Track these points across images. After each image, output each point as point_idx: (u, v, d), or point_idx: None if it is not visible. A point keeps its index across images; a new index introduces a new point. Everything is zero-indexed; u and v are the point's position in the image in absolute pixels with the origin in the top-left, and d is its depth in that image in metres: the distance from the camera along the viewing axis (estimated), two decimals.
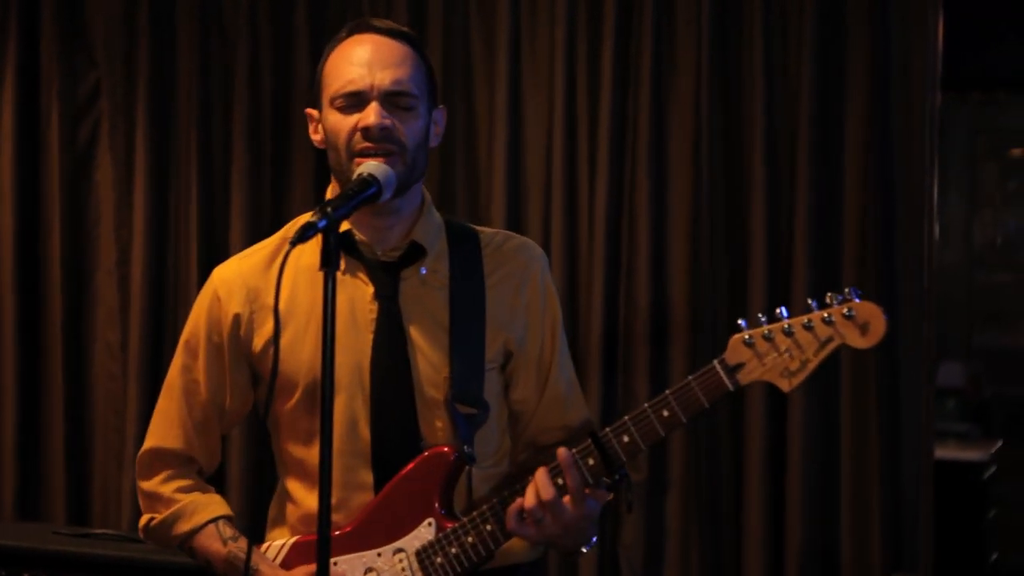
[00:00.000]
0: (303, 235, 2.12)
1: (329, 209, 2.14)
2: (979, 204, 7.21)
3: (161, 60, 4.40)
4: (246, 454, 4.21)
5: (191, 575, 3.37)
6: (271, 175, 4.34)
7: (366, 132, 2.33)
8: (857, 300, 2.16)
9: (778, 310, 2.22)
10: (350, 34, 2.43)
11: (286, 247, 2.19)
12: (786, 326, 2.19)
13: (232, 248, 4.30)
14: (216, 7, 4.37)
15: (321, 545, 2.09)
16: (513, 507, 2.31)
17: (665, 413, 2.25)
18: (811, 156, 3.86)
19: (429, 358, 2.41)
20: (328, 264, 2.10)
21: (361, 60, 2.36)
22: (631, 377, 3.98)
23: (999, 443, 5.93)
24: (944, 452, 5.38)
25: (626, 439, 2.27)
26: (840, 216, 3.88)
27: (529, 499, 2.29)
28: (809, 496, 3.84)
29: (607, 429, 2.29)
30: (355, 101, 2.35)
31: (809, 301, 2.19)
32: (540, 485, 2.28)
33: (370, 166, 2.30)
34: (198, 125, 4.35)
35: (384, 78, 2.34)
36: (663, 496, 3.96)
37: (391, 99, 2.35)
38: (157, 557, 3.48)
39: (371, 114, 2.33)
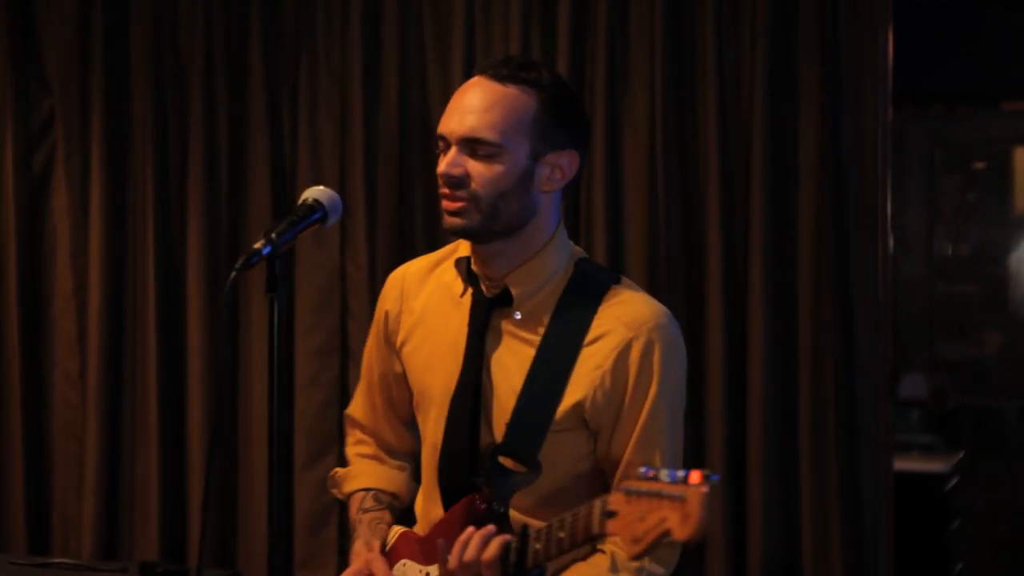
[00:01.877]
0: (247, 261, 2.13)
1: (273, 235, 2.16)
2: (940, 217, 7.26)
3: (116, 86, 4.39)
4: None
5: None
6: (228, 198, 4.33)
7: (439, 177, 2.35)
8: (699, 484, 1.86)
9: (665, 470, 1.92)
10: (474, 75, 2.40)
11: (450, 257, 2.47)
12: (650, 488, 1.92)
13: (190, 272, 4.30)
14: (170, 33, 4.37)
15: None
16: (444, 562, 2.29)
17: (561, 535, 2.13)
18: (765, 172, 3.88)
19: (499, 401, 2.39)
20: (273, 289, 2.14)
21: (456, 105, 2.36)
22: None
23: (961, 454, 5.96)
24: (908, 464, 5.40)
25: (538, 546, 2.18)
26: (795, 231, 3.90)
27: (455, 547, 2.26)
28: (769, 511, 3.85)
29: (534, 529, 2.20)
30: (443, 145, 2.36)
31: (680, 472, 1.90)
32: (470, 544, 2.25)
33: (316, 191, 2.31)
34: (154, 151, 4.34)
35: (462, 125, 2.32)
36: None
37: (468, 146, 2.32)
38: None
39: (443, 162, 2.35)
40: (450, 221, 2.35)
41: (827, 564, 3.83)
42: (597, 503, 2.04)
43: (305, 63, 4.27)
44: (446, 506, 2.42)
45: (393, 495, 2.65)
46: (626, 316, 2.37)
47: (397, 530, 2.57)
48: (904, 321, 6.82)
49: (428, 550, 2.43)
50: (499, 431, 2.37)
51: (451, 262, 2.48)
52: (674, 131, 3.97)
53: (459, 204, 2.33)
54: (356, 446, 2.72)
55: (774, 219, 3.89)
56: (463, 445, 2.40)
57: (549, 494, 2.37)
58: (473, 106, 2.32)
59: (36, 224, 4.46)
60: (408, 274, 2.59)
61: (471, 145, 2.32)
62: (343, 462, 2.76)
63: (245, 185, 4.32)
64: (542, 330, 2.38)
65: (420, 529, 2.53)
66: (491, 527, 2.25)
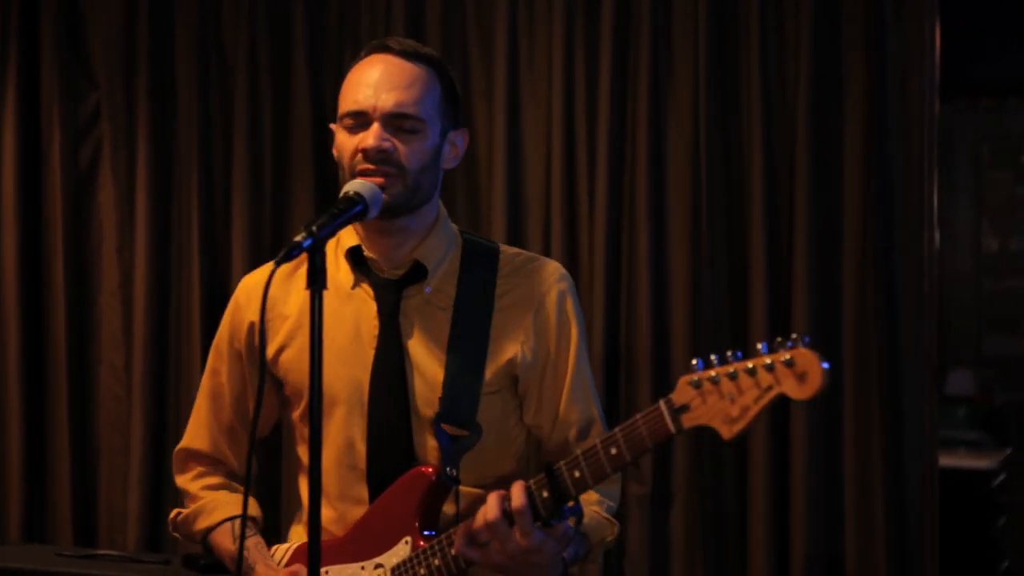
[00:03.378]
0: (288, 254, 2.13)
1: (314, 228, 2.15)
2: (988, 211, 7.19)
3: (161, 81, 4.42)
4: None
5: None
6: (272, 194, 4.35)
7: (365, 153, 2.35)
8: (802, 347, 2.00)
9: (729, 352, 2.08)
10: (368, 54, 2.45)
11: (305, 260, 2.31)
12: (731, 370, 2.05)
13: (235, 267, 4.32)
14: (215, 27, 4.39)
15: (312, 558, 2.09)
16: (462, 528, 2.28)
17: (613, 451, 2.16)
18: (810, 167, 3.85)
19: (425, 377, 2.43)
20: (314, 283, 2.13)
21: (369, 81, 2.38)
22: (633, 391, 3.98)
23: (1008, 451, 5.90)
24: (954, 460, 5.36)
25: (577, 474, 2.19)
26: (840, 226, 3.87)
27: (477, 520, 2.25)
28: (813, 506, 3.83)
29: (561, 463, 2.21)
30: (360, 121, 2.37)
31: (758, 345, 2.04)
32: (488, 507, 2.24)
33: (356, 184, 2.33)
34: (199, 145, 4.37)
35: (388, 100, 2.36)
36: (667, 508, 3.95)
37: (394, 121, 2.37)
38: None
39: (370, 136, 2.35)
40: (367, 186, 2.32)
41: (871, 560, 3.81)
42: (659, 406, 2.10)
43: (349, 57, 4.27)
44: (375, 496, 2.40)
45: (254, 519, 2.59)
46: (531, 274, 2.50)
47: (284, 548, 2.52)
48: (951, 316, 6.77)
49: (356, 548, 2.40)
50: (430, 404, 2.40)
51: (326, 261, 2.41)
52: (718, 127, 3.95)
53: (384, 179, 2.35)
54: (200, 480, 2.63)
55: (819, 214, 3.87)
56: (397, 427, 2.41)
57: (490, 459, 2.45)
58: (395, 82, 2.37)
59: (82, 218, 4.50)
60: (265, 280, 2.45)
61: (396, 120, 2.36)
62: (176, 502, 2.68)
63: (289, 179, 4.33)
64: (450, 300, 2.45)
65: (325, 532, 2.43)
66: (517, 482, 2.23)
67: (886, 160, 3.83)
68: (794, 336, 2.02)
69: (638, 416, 2.14)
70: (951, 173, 6.83)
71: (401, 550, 2.36)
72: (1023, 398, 6.91)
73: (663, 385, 3.94)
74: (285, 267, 2.42)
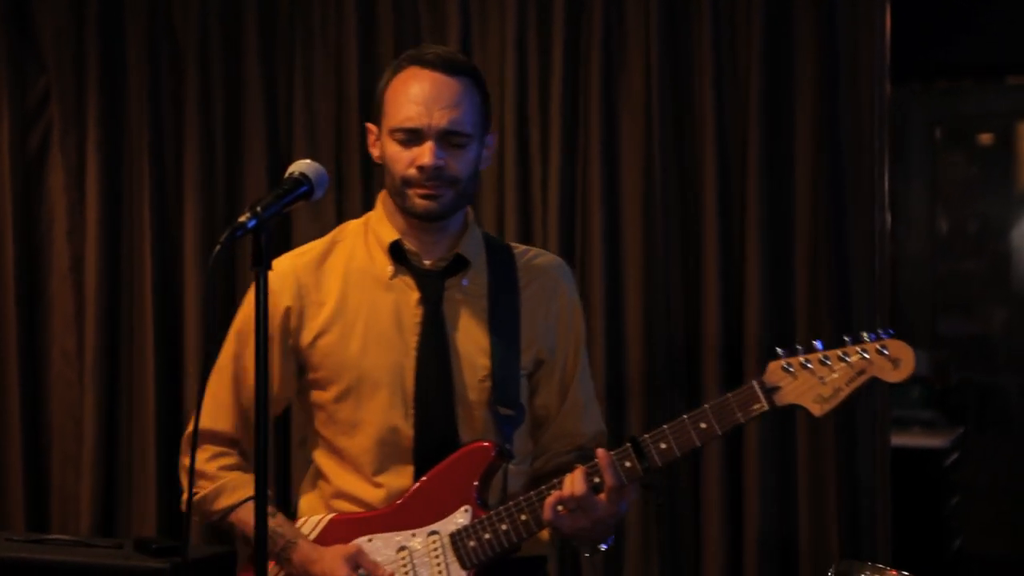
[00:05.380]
0: (232, 234, 2.15)
1: (259, 208, 2.18)
2: (942, 193, 7.23)
3: (111, 64, 4.39)
4: None
5: None
6: (224, 176, 4.34)
7: (421, 170, 2.52)
8: (887, 338, 2.34)
9: (815, 342, 2.37)
10: (409, 64, 2.58)
11: (335, 248, 2.64)
12: (823, 356, 2.35)
13: (187, 250, 4.30)
14: (166, 10, 4.36)
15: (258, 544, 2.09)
16: (551, 499, 2.45)
17: (703, 425, 2.40)
18: (762, 150, 3.87)
19: (469, 362, 2.60)
20: (258, 263, 2.15)
21: (419, 98, 2.53)
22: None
23: (961, 430, 5.95)
24: (908, 439, 5.40)
25: (663, 446, 2.42)
26: (792, 208, 3.89)
27: (566, 491, 2.43)
28: (766, 486, 3.85)
29: (646, 435, 2.43)
30: (412, 137, 2.52)
31: (845, 337, 2.36)
32: (575, 480, 2.42)
33: (302, 165, 2.35)
34: (149, 128, 4.34)
35: (441, 119, 2.51)
36: None
37: (446, 138, 2.52)
38: (111, 561, 3.49)
39: (426, 154, 2.51)
40: (426, 205, 2.53)
41: (824, 539, 3.83)
42: (752, 384, 2.39)
43: (300, 40, 4.26)
44: (422, 472, 2.55)
45: (270, 498, 2.58)
46: (546, 269, 2.73)
47: (314, 520, 2.61)
48: (906, 298, 6.80)
49: (405, 518, 2.54)
50: (475, 388, 2.58)
51: (347, 250, 2.65)
52: (670, 112, 3.96)
53: (438, 191, 2.53)
54: (215, 460, 2.67)
55: (771, 197, 3.88)
56: (442, 409, 2.57)
57: (522, 434, 2.65)
58: (445, 100, 2.53)
59: (32, 203, 4.46)
60: (297, 267, 2.64)
61: (448, 137, 2.52)
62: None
63: (241, 163, 4.31)
64: (484, 291, 2.64)
65: (361, 505, 2.58)
66: (604, 453, 2.43)
67: (837, 143, 3.85)
68: (878, 331, 2.36)
69: (728, 394, 2.41)
70: (905, 156, 6.86)
71: (459, 518, 2.52)
72: (977, 378, 6.97)
73: (617, 369, 3.95)
74: (314, 255, 2.66)
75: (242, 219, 2.15)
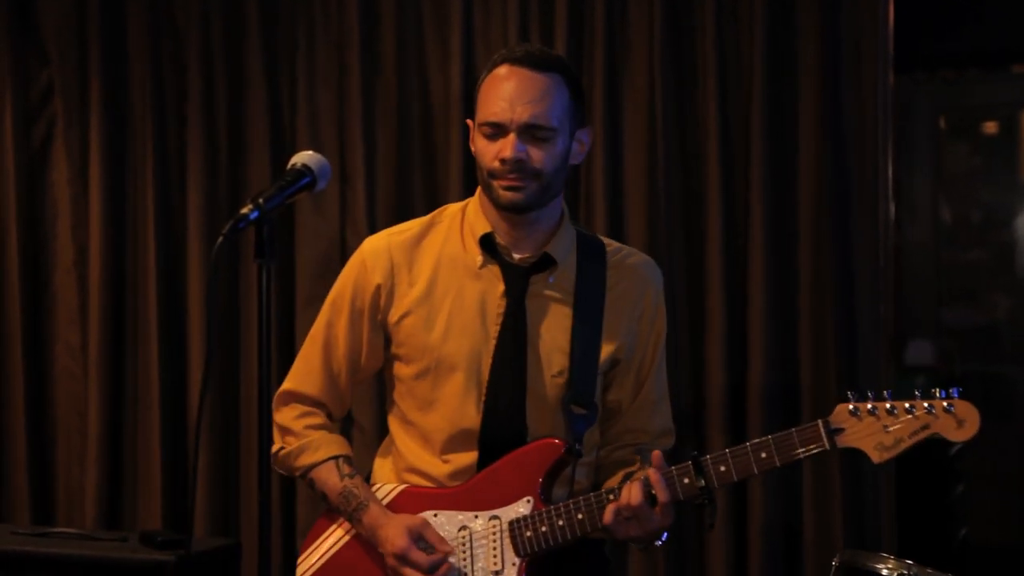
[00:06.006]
0: (235, 226, 2.16)
1: (261, 200, 2.19)
2: (946, 182, 7.21)
3: (114, 57, 4.39)
4: None
5: (146, 571, 3.43)
6: (227, 168, 4.34)
7: (503, 162, 2.60)
8: (956, 397, 2.40)
9: (885, 392, 2.45)
10: (502, 62, 2.66)
11: (433, 230, 2.73)
12: (889, 406, 2.42)
13: (190, 243, 4.31)
14: (167, 2, 4.36)
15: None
16: (611, 505, 2.54)
17: (763, 455, 2.50)
18: (765, 140, 3.87)
19: (546, 359, 2.68)
20: (261, 255, 2.16)
21: (505, 95, 2.61)
22: None
23: None
24: None
25: (723, 468, 2.51)
26: (796, 198, 3.89)
27: (623, 500, 2.52)
28: (770, 477, 3.84)
29: (708, 456, 2.52)
30: (497, 131, 2.62)
31: (916, 391, 2.43)
32: (632, 492, 2.51)
33: (304, 156, 2.36)
34: (152, 121, 4.34)
35: (523, 114, 2.59)
36: None
37: (529, 131, 2.60)
38: (116, 554, 3.50)
39: (508, 147, 2.59)
40: (510, 196, 2.62)
41: (829, 528, 3.83)
42: (817, 424, 2.47)
43: (303, 33, 4.26)
44: (486, 458, 2.65)
45: (350, 459, 2.78)
46: (635, 270, 2.79)
47: (387, 488, 2.73)
48: (910, 287, 6.79)
49: (470, 499, 2.65)
50: (548, 384, 2.66)
51: (442, 234, 2.74)
52: (673, 103, 3.96)
53: (521, 183, 2.60)
54: (302, 419, 2.80)
55: (775, 186, 3.88)
56: (513, 402, 2.66)
57: (595, 429, 2.72)
58: (528, 95, 2.60)
59: (36, 196, 4.47)
60: (392, 246, 2.74)
61: (531, 131, 2.59)
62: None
63: (244, 156, 4.31)
64: (572, 290, 2.71)
65: (429, 480, 2.69)
66: (657, 475, 2.51)
67: (841, 133, 3.85)
68: (949, 390, 2.41)
69: (793, 430, 2.49)
70: (909, 145, 6.84)
71: (522, 507, 2.62)
72: (982, 368, 6.95)
73: None
74: (409, 236, 2.75)
75: (244, 210, 2.16)
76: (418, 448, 2.72)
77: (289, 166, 2.33)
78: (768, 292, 3.85)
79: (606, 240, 2.83)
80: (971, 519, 5.82)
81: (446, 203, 3.99)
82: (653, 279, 2.81)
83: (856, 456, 3.77)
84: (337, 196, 4.19)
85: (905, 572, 2.83)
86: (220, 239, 2.15)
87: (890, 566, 2.88)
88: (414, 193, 4.15)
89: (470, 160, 4.03)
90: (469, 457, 2.67)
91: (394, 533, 2.62)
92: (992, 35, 6.25)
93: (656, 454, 2.55)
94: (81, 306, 4.42)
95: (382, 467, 2.81)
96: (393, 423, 2.81)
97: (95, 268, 4.37)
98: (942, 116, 7.14)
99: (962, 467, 5.68)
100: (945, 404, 2.39)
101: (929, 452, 5.30)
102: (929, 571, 2.82)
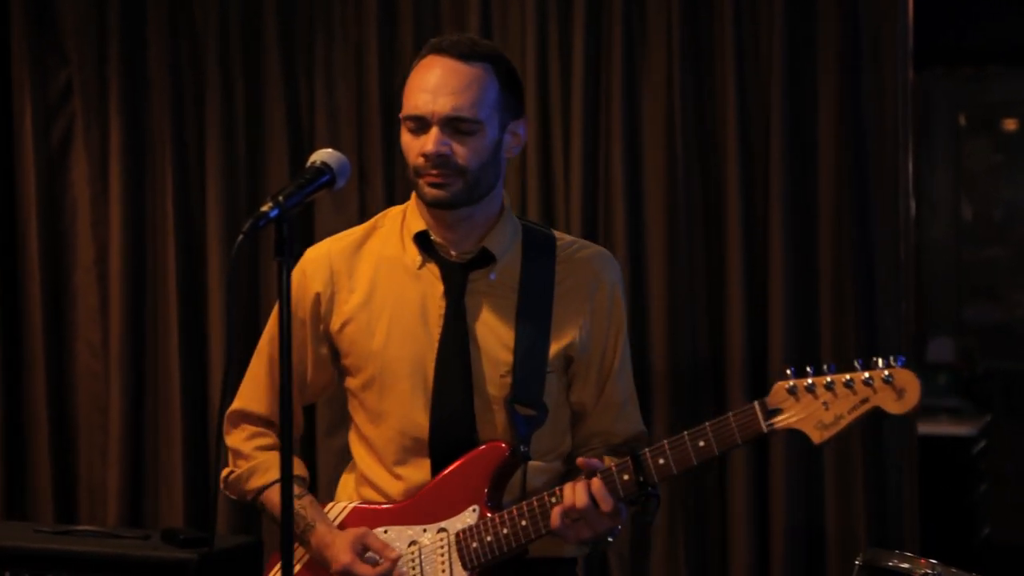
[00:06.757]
0: (255, 224, 2.13)
1: (281, 198, 2.16)
2: (966, 179, 7.19)
3: (132, 56, 4.39)
4: None
5: (169, 569, 3.43)
6: (246, 166, 4.34)
7: (426, 157, 2.48)
8: (899, 367, 2.23)
9: (826, 366, 2.30)
10: (427, 54, 2.55)
11: (374, 234, 2.61)
12: (828, 381, 2.27)
13: (210, 240, 4.31)
14: (186, 2, 4.36)
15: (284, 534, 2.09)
16: (557, 508, 2.43)
17: (701, 443, 2.35)
18: (784, 136, 3.85)
19: (491, 358, 2.56)
20: (281, 253, 2.13)
21: (427, 86, 2.49)
22: None
23: (989, 417, 5.91)
24: (934, 427, 5.38)
25: (661, 461, 2.38)
26: (815, 195, 3.87)
27: (567, 502, 2.41)
28: (793, 475, 3.84)
29: (646, 450, 2.40)
30: (419, 125, 2.49)
31: (856, 362, 2.26)
32: (577, 494, 2.39)
33: (323, 154, 2.33)
34: (171, 119, 4.35)
35: (444, 105, 2.47)
36: None
37: (452, 124, 2.47)
38: (139, 552, 3.48)
39: (430, 141, 2.47)
40: (435, 193, 2.49)
41: (852, 528, 3.82)
42: (753, 406, 2.32)
43: (321, 31, 4.26)
44: (439, 467, 2.54)
45: (303, 479, 2.68)
46: (587, 262, 2.63)
47: (339, 507, 2.64)
48: (931, 284, 6.77)
49: (418, 512, 2.54)
50: (495, 384, 2.54)
51: (382, 238, 2.63)
52: (692, 97, 3.95)
53: (445, 179, 2.48)
54: (252, 440, 2.70)
55: (794, 183, 3.86)
56: (460, 405, 2.54)
57: (548, 435, 2.58)
58: (451, 87, 2.48)
59: (56, 195, 4.48)
60: (332, 253, 2.64)
61: (453, 123, 2.47)
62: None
63: (263, 154, 4.32)
64: (515, 286, 2.58)
65: (383, 496, 2.59)
66: (594, 461, 2.42)
67: (861, 129, 3.83)
68: (890, 357, 2.24)
69: (730, 414, 2.34)
70: (929, 141, 6.83)
71: (467, 517, 2.51)
72: (1004, 365, 6.93)
73: (641, 357, 3.94)
74: (349, 242, 2.64)
75: (264, 208, 2.14)
76: (374, 463, 2.62)
77: (308, 164, 2.31)
78: (788, 289, 3.84)
79: (559, 234, 2.68)
80: (993, 518, 5.79)
81: None
82: (606, 272, 2.64)
83: (879, 453, 3.81)
84: (356, 195, 4.19)
85: (929, 572, 2.73)
86: (240, 237, 2.12)
87: (914, 565, 2.80)
88: None
89: None
90: (423, 467, 2.56)
91: (338, 550, 2.52)
92: (1013, 31, 6.23)
93: (595, 479, 2.40)
94: (101, 304, 4.42)
95: (345, 485, 2.72)
96: (351, 439, 2.70)
97: (115, 266, 4.37)
98: (962, 112, 7.12)
99: (984, 466, 5.66)
100: (884, 374, 2.22)
101: (951, 452, 5.31)
102: (954, 571, 2.75)
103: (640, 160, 3.99)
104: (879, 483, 3.82)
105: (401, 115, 2.53)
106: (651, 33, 3.97)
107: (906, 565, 2.81)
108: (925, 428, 4.31)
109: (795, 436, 3.69)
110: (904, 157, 3.84)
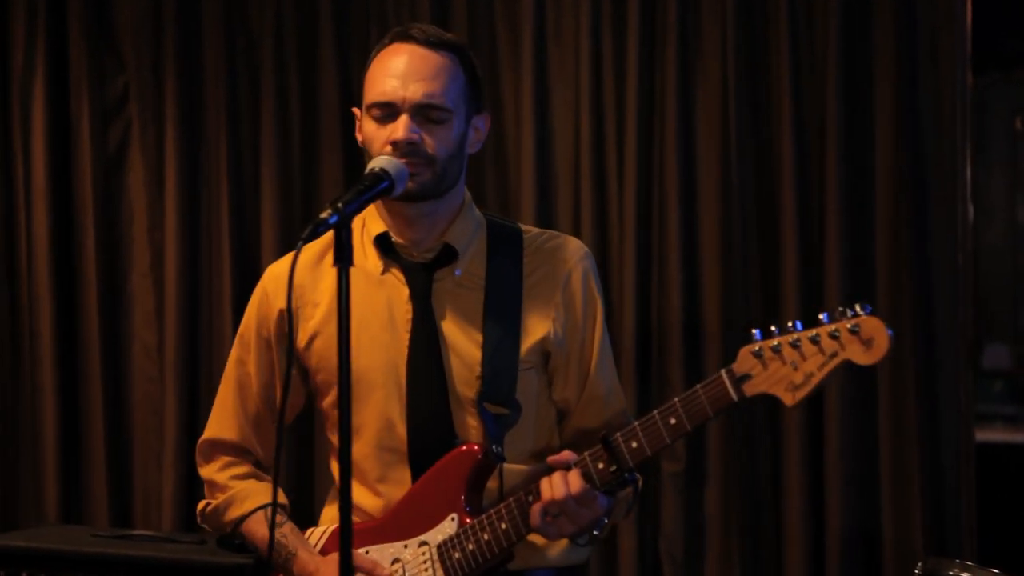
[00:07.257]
0: (314, 231, 2.12)
1: (340, 204, 2.15)
2: (1023, 184, 7.11)
3: (188, 61, 4.42)
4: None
5: (225, 573, 3.44)
6: (301, 171, 4.35)
7: (395, 145, 2.39)
8: (864, 315, 2.13)
9: (790, 323, 2.21)
10: (392, 41, 2.48)
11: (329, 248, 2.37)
12: (794, 340, 2.17)
13: (265, 246, 4.32)
14: (241, 6, 4.38)
15: (344, 542, 2.09)
16: (536, 505, 2.35)
17: (672, 421, 2.27)
18: (841, 139, 3.82)
19: (462, 358, 2.48)
20: (341, 260, 2.12)
21: (396, 71, 2.42)
22: (665, 370, 3.95)
23: None
24: (991, 435, 5.32)
25: (634, 444, 2.29)
26: (872, 201, 3.84)
27: (546, 496, 2.33)
28: (848, 483, 3.81)
29: (618, 434, 2.31)
30: (388, 112, 2.42)
31: (820, 315, 2.17)
32: (554, 487, 2.32)
33: (382, 160, 2.34)
34: (227, 125, 4.36)
35: (416, 91, 2.40)
36: (702, 486, 3.94)
37: (422, 112, 2.41)
38: (195, 557, 3.50)
39: (399, 128, 2.39)
40: (393, 162, 2.36)
41: (908, 536, 3.78)
42: (720, 375, 2.22)
43: (375, 31, 4.26)
44: (418, 477, 2.46)
45: (284, 507, 2.62)
46: (555, 252, 2.55)
47: (319, 531, 2.58)
48: (987, 291, 6.70)
49: (399, 527, 2.46)
50: (468, 384, 2.46)
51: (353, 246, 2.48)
52: (747, 102, 3.93)
53: (414, 169, 2.39)
54: (227, 470, 2.64)
55: (851, 189, 3.84)
56: (436, 409, 2.46)
57: (528, 435, 2.51)
58: (421, 73, 2.42)
59: (113, 200, 4.51)
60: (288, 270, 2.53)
61: (424, 111, 2.41)
62: (198, 495, 2.72)
63: (318, 156, 4.32)
64: (481, 281, 2.51)
65: (364, 515, 2.51)
66: (565, 454, 2.34)
67: (918, 134, 3.80)
68: (856, 306, 2.14)
69: (698, 386, 2.25)
70: (985, 146, 6.75)
71: (447, 527, 2.42)
72: None
73: (695, 360, 3.93)
74: (311, 255, 2.54)
75: (324, 215, 2.12)
76: (354, 483, 2.49)
77: (367, 170, 2.32)
78: (844, 296, 3.80)
79: (525, 227, 2.61)
80: None
81: (519, 202, 4.06)
82: (577, 260, 2.55)
83: (936, 460, 3.77)
84: None
85: None
86: (300, 243, 2.12)
87: (977, 575, 2.76)
88: (487, 192, 4.13)
89: (543, 160, 4.07)
90: (404, 480, 2.48)
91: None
92: None
93: (564, 454, 2.35)
94: (157, 308, 4.45)
95: (329, 509, 2.66)
96: (331, 462, 2.62)
97: (171, 271, 4.39)
98: (1019, 117, 7.04)
99: None
100: (850, 325, 2.11)
101: (1008, 460, 5.24)
102: None
103: (694, 168, 3.97)
104: (936, 490, 3.79)
105: (365, 103, 2.47)
106: (705, 39, 3.96)
107: (969, 575, 2.76)
108: (982, 436, 4.26)
109: (850, 432, 3.73)
110: (962, 163, 3.81)
